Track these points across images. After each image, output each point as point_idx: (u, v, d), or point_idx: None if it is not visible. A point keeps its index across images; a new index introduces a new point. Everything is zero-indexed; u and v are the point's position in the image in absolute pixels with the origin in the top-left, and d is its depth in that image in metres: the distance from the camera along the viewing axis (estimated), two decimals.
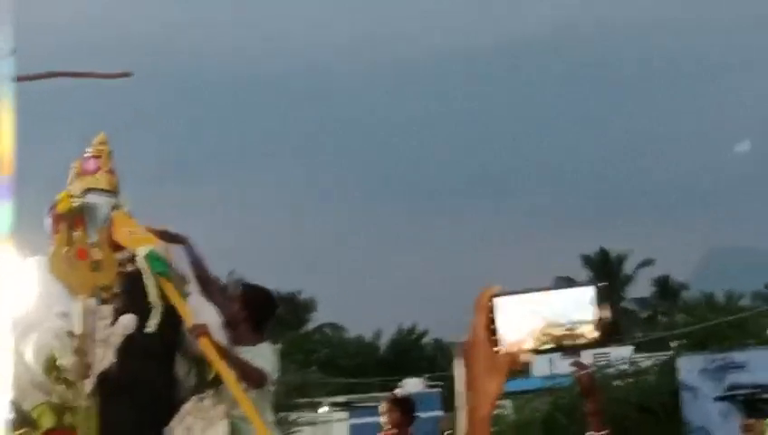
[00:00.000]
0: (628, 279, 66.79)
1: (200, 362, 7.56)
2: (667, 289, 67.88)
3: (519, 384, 31.36)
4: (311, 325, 71.33)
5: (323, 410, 44.40)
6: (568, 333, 2.16)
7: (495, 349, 2.16)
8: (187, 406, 7.49)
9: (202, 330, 7.31)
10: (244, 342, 7.94)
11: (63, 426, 7.14)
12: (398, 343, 71.86)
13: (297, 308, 70.37)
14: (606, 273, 65.69)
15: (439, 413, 40.30)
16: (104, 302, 7.43)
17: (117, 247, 7.86)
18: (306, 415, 40.08)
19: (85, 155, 7.95)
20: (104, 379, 7.26)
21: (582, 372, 7.33)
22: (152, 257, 7.52)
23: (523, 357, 2.17)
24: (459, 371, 2.21)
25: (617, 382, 32.71)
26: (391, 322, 75.43)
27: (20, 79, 7.48)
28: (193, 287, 7.99)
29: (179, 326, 7.51)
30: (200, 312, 7.71)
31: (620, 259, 67.41)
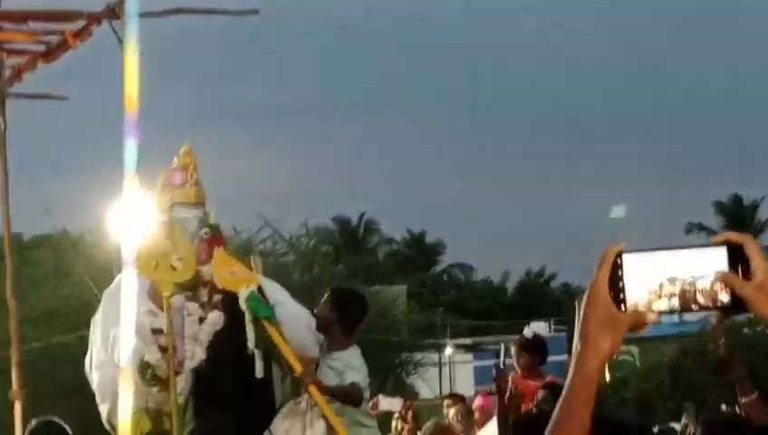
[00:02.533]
0: (762, 226, 65.71)
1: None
2: None
3: (647, 330, 31.11)
4: (438, 267, 71.56)
5: (449, 351, 44.57)
6: (697, 294, 2.07)
7: (620, 308, 2.08)
8: (285, 409, 7.55)
9: (310, 379, 7.45)
10: (336, 346, 7.99)
11: (160, 431, 7.25)
12: (526, 286, 71.81)
13: (425, 250, 70.61)
14: (739, 220, 64.71)
15: (566, 357, 40.18)
16: (190, 299, 7.52)
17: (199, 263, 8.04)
18: (431, 356, 40.28)
19: (171, 167, 7.96)
20: (198, 379, 7.40)
21: (720, 342, 7.22)
22: (253, 299, 7.58)
23: (649, 318, 2.10)
24: (576, 323, 2.15)
25: (747, 330, 32.34)
26: (520, 264, 75.04)
27: (147, 15, 7.55)
28: (283, 294, 8.10)
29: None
30: (294, 319, 7.88)
31: (754, 206, 66.35)
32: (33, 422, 8.03)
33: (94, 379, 7.64)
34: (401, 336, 32.36)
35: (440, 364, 42.35)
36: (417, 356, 35.52)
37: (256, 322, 7.49)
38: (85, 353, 8.23)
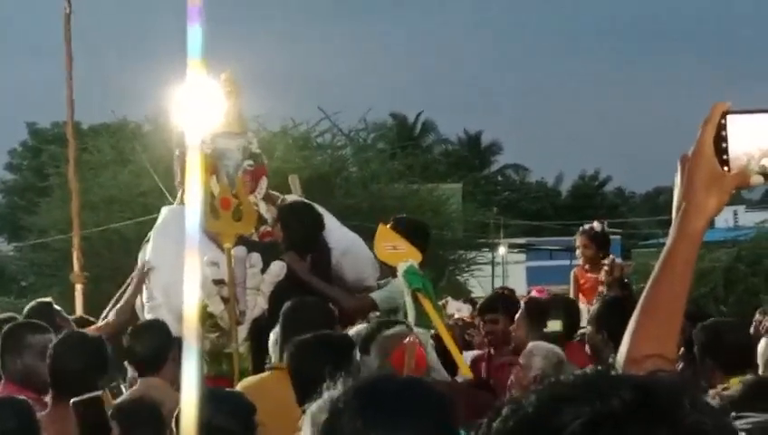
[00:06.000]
0: None
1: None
2: None
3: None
4: (494, 167, 71.35)
5: (502, 251, 44.62)
6: None
7: (724, 168, 2.04)
8: None
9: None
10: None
11: (219, 374, 7.28)
12: (580, 188, 71.49)
13: (480, 150, 70.37)
14: None
15: (618, 260, 40.04)
16: (252, 250, 7.53)
17: (269, 199, 8.06)
18: (485, 255, 40.35)
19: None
20: (258, 326, 7.40)
21: None
22: (410, 272, 7.61)
23: (754, 180, 2.06)
24: (677, 182, 2.09)
25: None
26: (574, 167, 74.80)
27: None
28: (334, 221, 8.17)
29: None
30: (353, 248, 8.05)
31: None
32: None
33: (147, 319, 7.62)
34: (455, 234, 32.41)
35: (493, 264, 42.45)
36: (471, 255, 35.57)
37: (414, 296, 7.56)
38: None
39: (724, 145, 2.04)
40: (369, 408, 2.44)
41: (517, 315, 7.38)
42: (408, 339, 5.76)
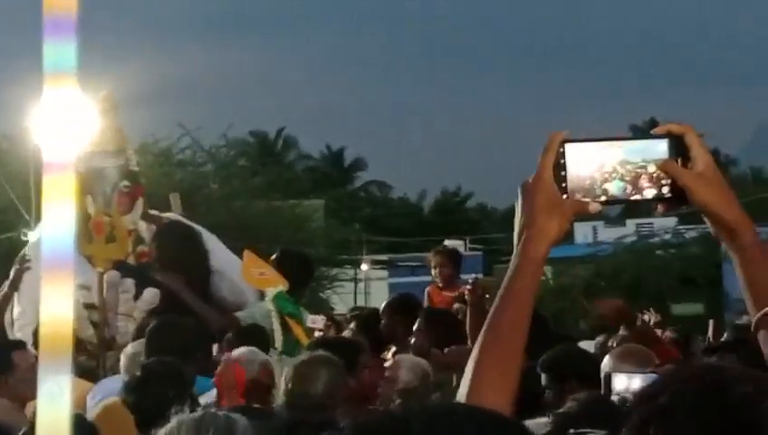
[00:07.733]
0: None
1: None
2: (715, 163, 67.24)
3: (561, 251, 31.31)
4: (357, 183, 71.51)
5: (364, 267, 44.74)
6: (639, 176, 2.09)
7: (563, 196, 2.08)
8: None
9: None
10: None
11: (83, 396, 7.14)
12: (442, 204, 72.05)
13: (343, 167, 70.49)
14: None
15: (480, 276, 40.33)
16: (125, 275, 7.43)
17: (150, 219, 7.97)
18: (347, 272, 40.37)
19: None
20: None
21: None
22: (281, 298, 7.60)
23: (592, 207, 2.10)
24: (518, 209, 2.12)
25: (659, 252, 32.83)
26: (437, 183, 75.43)
27: None
28: (217, 243, 8.12)
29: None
30: (234, 268, 8.00)
31: None
32: None
33: (18, 337, 7.40)
34: (317, 251, 32.40)
35: (356, 280, 42.51)
36: (333, 271, 35.59)
37: (283, 322, 7.50)
38: None
39: (563, 173, 2.10)
40: None
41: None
42: (224, 357, 5.74)
